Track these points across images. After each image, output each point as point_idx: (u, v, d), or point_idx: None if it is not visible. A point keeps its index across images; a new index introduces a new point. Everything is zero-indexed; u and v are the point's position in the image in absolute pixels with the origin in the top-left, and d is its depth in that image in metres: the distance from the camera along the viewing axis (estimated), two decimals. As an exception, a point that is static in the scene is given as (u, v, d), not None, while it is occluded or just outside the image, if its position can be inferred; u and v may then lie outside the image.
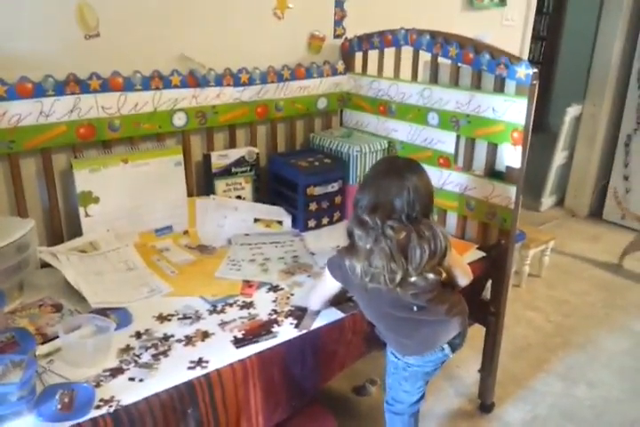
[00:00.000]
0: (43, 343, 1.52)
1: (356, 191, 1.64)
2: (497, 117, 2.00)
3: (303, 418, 1.81)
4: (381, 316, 1.68)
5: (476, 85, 2.09)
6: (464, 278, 1.78)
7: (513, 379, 2.60)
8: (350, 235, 1.59)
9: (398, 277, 1.54)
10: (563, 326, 3.04)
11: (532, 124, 1.96)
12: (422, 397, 1.86)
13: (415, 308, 1.63)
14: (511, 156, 2.01)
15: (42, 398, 1.33)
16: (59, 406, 1.31)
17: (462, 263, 1.81)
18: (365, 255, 1.54)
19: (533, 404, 2.46)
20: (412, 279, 1.56)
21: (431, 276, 1.59)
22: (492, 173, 2.11)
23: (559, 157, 4.45)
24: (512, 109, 1.95)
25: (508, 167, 2.05)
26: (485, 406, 2.40)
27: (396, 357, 1.76)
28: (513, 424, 2.33)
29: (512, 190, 2.02)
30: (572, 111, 4.31)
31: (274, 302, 1.79)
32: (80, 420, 1.29)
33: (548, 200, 4.60)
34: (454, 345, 1.74)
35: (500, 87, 2.01)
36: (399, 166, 1.63)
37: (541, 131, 5.30)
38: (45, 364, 1.46)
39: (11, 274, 1.70)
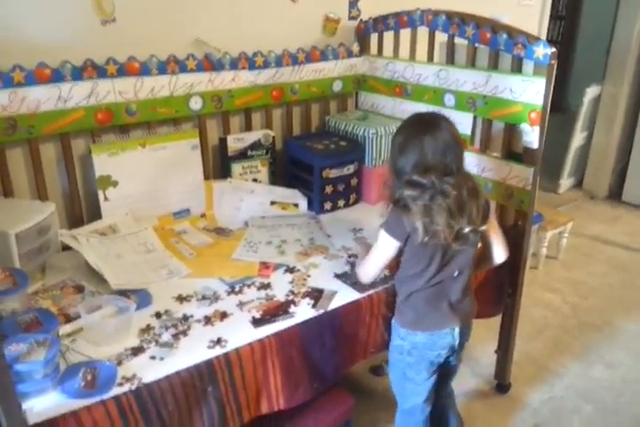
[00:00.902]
0: (65, 323, 1.55)
1: (393, 156, 1.60)
2: (514, 98, 1.99)
3: (320, 397, 1.83)
4: (424, 276, 1.64)
5: (494, 66, 2.07)
6: (502, 251, 1.80)
7: (530, 360, 2.61)
8: (399, 199, 1.56)
9: (455, 232, 1.54)
10: (580, 308, 3.04)
11: (550, 104, 1.94)
12: (429, 398, 1.82)
13: (456, 273, 1.66)
14: (529, 137, 2.00)
15: (65, 375, 1.36)
16: (82, 384, 1.34)
17: (500, 232, 1.81)
18: (423, 213, 1.52)
19: (550, 384, 2.47)
20: (466, 231, 1.56)
21: (483, 227, 1.62)
22: (510, 155, 2.10)
23: (578, 138, 4.40)
24: (530, 90, 1.93)
25: (525, 148, 2.04)
26: (502, 386, 2.41)
27: (401, 338, 1.72)
28: (529, 404, 2.35)
29: (529, 172, 2.00)
30: (592, 92, 4.25)
31: (291, 283, 1.81)
32: (103, 397, 1.32)
33: (566, 182, 4.56)
34: (461, 336, 1.73)
35: (517, 67, 1.99)
36: (431, 119, 1.60)
37: (560, 112, 5.23)
38: (68, 343, 1.49)
39: (33, 256, 1.73)
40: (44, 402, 1.30)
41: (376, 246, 1.68)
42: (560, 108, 5.68)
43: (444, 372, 1.84)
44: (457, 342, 1.72)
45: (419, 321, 1.69)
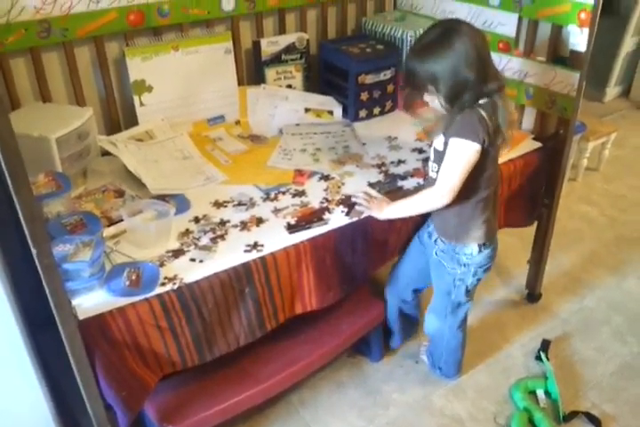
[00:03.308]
0: (108, 226, 1.60)
1: (452, 64, 1.45)
2: (564, -4, 1.86)
3: (353, 301, 1.90)
4: (493, 180, 1.63)
5: (543, -40, 1.93)
6: None
7: (562, 271, 2.62)
8: (462, 105, 1.50)
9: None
10: (617, 221, 3.00)
11: (601, 4, 1.81)
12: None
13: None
14: (577, 39, 1.89)
15: (111, 275, 1.43)
16: (127, 283, 1.40)
17: None
18: (491, 108, 1.50)
19: (581, 296, 2.49)
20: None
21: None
22: (555, 59, 2.00)
23: (628, 43, 4.14)
24: (581, -14, 1.81)
25: (572, 51, 1.93)
26: (532, 296, 2.44)
27: (465, 261, 1.69)
28: (559, 314, 2.38)
29: (575, 77, 1.91)
30: (648, -8, 3.95)
31: (325, 190, 1.81)
32: (147, 295, 1.39)
33: (612, 90, 4.35)
34: None
35: (568, -38, 1.85)
36: (464, 24, 1.51)
37: (610, 13, 4.86)
38: (112, 245, 1.55)
39: (74, 161, 1.76)
40: (92, 299, 1.37)
41: (455, 158, 1.52)
42: (611, 9, 5.28)
43: None
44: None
45: (491, 233, 1.68)
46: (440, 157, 1.58)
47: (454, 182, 1.53)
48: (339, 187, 1.83)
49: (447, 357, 2.01)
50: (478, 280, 1.77)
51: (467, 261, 1.70)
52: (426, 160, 1.95)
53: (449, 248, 1.70)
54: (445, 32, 1.47)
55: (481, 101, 1.50)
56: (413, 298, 1.99)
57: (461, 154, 1.51)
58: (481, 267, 1.72)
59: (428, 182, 1.70)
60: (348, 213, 1.69)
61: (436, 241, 1.74)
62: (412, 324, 2.16)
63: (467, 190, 1.58)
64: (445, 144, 1.54)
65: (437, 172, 1.60)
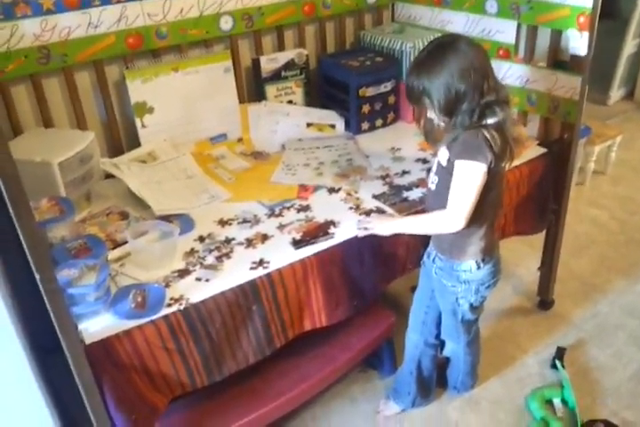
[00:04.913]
0: (113, 249, 1.61)
1: (444, 78, 1.43)
2: (562, 1, 1.86)
3: (362, 315, 1.87)
4: (497, 202, 1.62)
5: (539, -34, 1.93)
6: None
7: (574, 276, 2.59)
8: (469, 123, 1.45)
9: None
10: (627, 224, 2.97)
11: (600, 8, 1.81)
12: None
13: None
14: (577, 43, 1.88)
15: (116, 298, 1.42)
16: (133, 305, 1.40)
17: None
18: (497, 127, 1.45)
19: (594, 301, 2.46)
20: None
21: None
22: (556, 64, 2.00)
23: (630, 45, 4.14)
24: (578, -9, 1.80)
25: (573, 56, 1.93)
26: (545, 302, 2.41)
27: (465, 278, 1.66)
28: (573, 321, 2.36)
29: (577, 81, 1.91)
30: (648, -7, 3.95)
31: (342, 200, 1.82)
32: (154, 317, 1.38)
33: (616, 93, 4.33)
34: None
35: (565, -33, 1.85)
36: (461, 39, 1.49)
37: (611, 17, 4.83)
38: (117, 267, 1.55)
39: (77, 185, 1.77)
40: (98, 323, 1.37)
41: (463, 181, 1.48)
42: (611, 12, 5.25)
43: None
44: None
45: (489, 249, 1.64)
46: (442, 171, 1.56)
47: (468, 206, 1.49)
48: (350, 195, 1.85)
49: (464, 377, 1.99)
50: (483, 298, 1.73)
51: (466, 277, 1.66)
52: (430, 170, 1.95)
53: (447, 265, 1.67)
54: (439, 47, 1.47)
55: (489, 121, 1.45)
56: (435, 338, 1.89)
57: (469, 176, 1.47)
58: (483, 284, 1.68)
59: (428, 194, 1.69)
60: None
61: (434, 260, 1.71)
62: (425, 388, 1.97)
63: (475, 212, 1.53)
64: (449, 162, 1.51)
65: (436, 184, 1.59)
